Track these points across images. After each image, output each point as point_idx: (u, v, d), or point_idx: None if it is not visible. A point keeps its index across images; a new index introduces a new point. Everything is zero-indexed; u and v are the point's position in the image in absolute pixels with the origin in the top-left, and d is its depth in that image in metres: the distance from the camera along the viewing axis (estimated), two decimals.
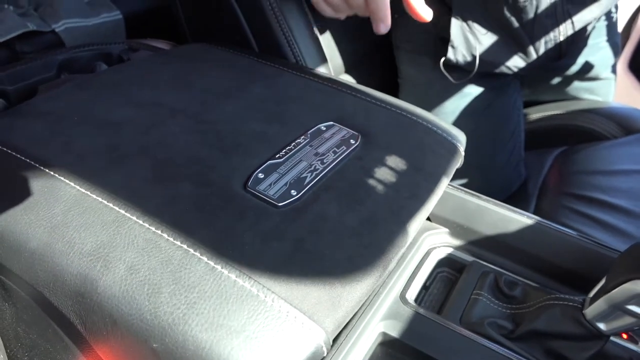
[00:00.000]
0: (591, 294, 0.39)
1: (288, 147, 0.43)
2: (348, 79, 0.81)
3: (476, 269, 0.47)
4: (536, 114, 0.94)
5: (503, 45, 0.77)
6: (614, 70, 0.93)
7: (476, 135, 0.82)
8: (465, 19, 0.75)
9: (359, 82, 0.81)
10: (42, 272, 0.33)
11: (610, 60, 0.91)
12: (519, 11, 0.73)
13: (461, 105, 0.83)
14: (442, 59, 0.78)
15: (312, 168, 0.41)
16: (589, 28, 0.83)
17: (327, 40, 0.73)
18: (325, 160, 0.42)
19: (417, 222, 0.40)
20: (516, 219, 0.49)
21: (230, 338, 0.29)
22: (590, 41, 0.87)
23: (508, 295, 0.45)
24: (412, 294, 0.45)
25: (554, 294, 0.42)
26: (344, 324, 0.33)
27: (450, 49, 0.77)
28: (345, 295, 0.33)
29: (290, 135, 0.44)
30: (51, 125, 0.43)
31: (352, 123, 0.47)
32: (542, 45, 0.78)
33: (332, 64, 0.73)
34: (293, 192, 0.38)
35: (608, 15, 0.88)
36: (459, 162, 0.48)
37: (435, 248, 0.50)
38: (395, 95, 0.67)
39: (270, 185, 0.39)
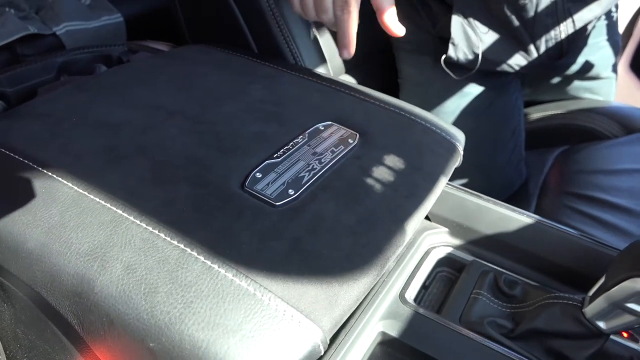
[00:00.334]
0: (591, 293, 0.39)
1: (286, 147, 0.43)
2: (348, 79, 0.81)
3: (476, 268, 0.47)
4: (537, 113, 0.94)
5: (504, 43, 0.77)
6: (614, 69, 0.93)
7: (477, 135, 0.81)
8: (466, 17, 0.75)
9: (359, 82, 0.81)
10: (40, 273, 0.33)
11: (610, 59, 0.91)
12: (519, 9, 0.73)
13: (462, 105, 0.83)
14: (443, 57, 0.78)
15: (310, 167, 0.41)
16: (590, 27, 0.82)
17: (326, 41, 0.74)
18: (323, 160, 0.42)
19: (415, 222, 0.40)
20: (515, 218, 0.49)
21: (227, 337, 0.29)
22: (590, 40, 0.87)
23: (508, 294, 0.45)
24: (411, 294, 0.45)
25: (553, 293, 0.42)
26: (342, 323, 0.33)
27: (451, 47, 0.76)
28: (343, 294, 0.33)
29: (289, 135, 0.44)
30: (50, 126, 0.43)
31: (351, 123, 0.47)
32: (543, 44, 0.77)
33: (332, 65, 0.73)
34: (291, 192, 0.38)
35: (608, 14, 0.87)
36: (457, 161, 0.48)
37: (434, 247, 0.50)
38: (396, 95, 0.67)
39: (267, 184, 0.39)
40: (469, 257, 0.49)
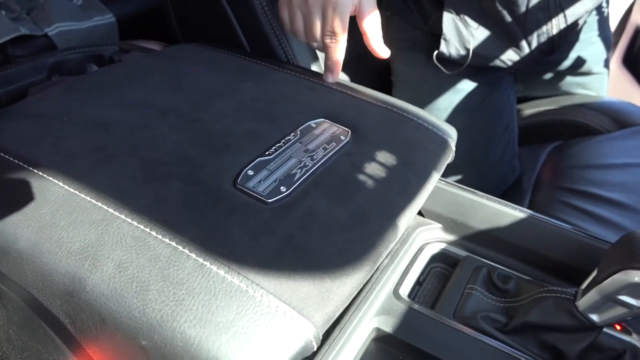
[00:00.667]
0: (583, 286, 0.39)
1: (278, 144, 0.43)
2: (341, 77, 0.81)
3: (469, 263, 0.47)
4: (530, 109, 0.94)
5: (496, 38, 0.77)
6: (606, 64, 0.93)
7: (470, 131, 0.82)
8: (457, 13, 0.75)
9: (352, 81, 0.81)
10: (31, 272, 0.33)
11: (602, 54, 0.91)
12: (511, 4, 0.74)
13: (455, 101, 0.83)
14: (436, 52, 0.78)
15: (302, 164, 0.41)
16: (581, 22, 0.83)
17: None
18: (315, 157, 0.42)
19: (408, 217, 0.40)
20: (508, 213, 0.49)
21: (219, 334, 0.29)
22: (582, 36, 0.87)
23: (501, 289, 0.45)
24: (405, 290, 0.45)
25: (546, 287, 0.42)
26: (334, 319, 0.33)
27: (442, 42, 0.77)
28: (335, 289, 0.33)
29: (281, 132, 0.44)
30: (40, 126, 0.43)
31: (343, 120, 0.47)
32: (535, 39, 0.78)
33: (324, 63, 0.73)
34: (282, 189, 0.38)
35: (599, 9, 0.88)
36: (449, 157, 0.48)
37: (428, 243, 0.50)
38: (389, 93, 0.67)
39: (259, 181, 0.39)
40: (462, 253, 0.49)
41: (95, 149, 0.40)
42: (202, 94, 0.49)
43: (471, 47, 0.76)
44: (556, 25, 0.77)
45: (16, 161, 0.38)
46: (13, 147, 0.40)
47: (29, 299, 0.34)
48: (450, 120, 0.79)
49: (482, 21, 0.76)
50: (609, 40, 0.92)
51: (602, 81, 0.94)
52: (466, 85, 0.83)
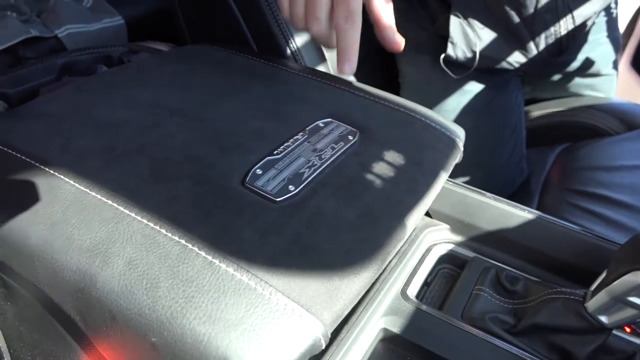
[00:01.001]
0: (592, 287, 0.39)
1: (286, 144, 0.43)
2: (349, 78, 0.81)
3: (477, 264, 0.47)
4: (538, 111, 0.94)
5: (503, 40, 0.77)
6: (615, 66, 0.93)
7: (477, 133, 0.82)
8: (465, 16, 0.75)
9: (359, 81, 0.81)
10: (42, 270, 0.34)
11: (611, 56, 0.91)
12: (519, 6, 0.73)
13: (462, 103, 0.83)
14: (442, 56, 0.78)
15: (310, 164, 0.41)
16: (589, 23, 0.83)
17: None
18: (323, 156, 0.42)
19: (416, 217, 0.40)
20: (516, 214, 0.49)
21: (228, 331, 0.29)
22: (590, 37, 0.87)
23: (509, 290, 0.45)
24: (413, 290, 0.45)
25: (555, 288, 0.42)
26: (343, 317, 0.33)
27: (450, 45, 0.77)
28: (343, 288, 0.33)
29: (289, 132, 0.45)
30: (51, 125, 0.43)
31: (351, 119, 0.47)
32: (543, 41, 0.78)
33: (332, 63, 0.73)
34: (291, 188, 0.38)
35: (608, 10, 0.87)
36: (457, 157, 0.48)
37: (436, 244, 0.50)
38: (397, 95, 0.67)
39: (268, 181, 0.39)
40: (470, 254, 0.49)
41: (104, 149, 0.41)
42: (211, 94, 0.50)
43: (478, 49, 0.76)
44: (564, 26, 0.77)
45: (27, 159, 0.39)
46: (24, 146, 0.40)
47: (41, 296, 0.35)
48: (457, 121, 0.78)
49: (489, 23, 0.76)
50: (617, 41, 0.92)
51: (610, 82, 0.93)
52: (473, 87, 0.83)
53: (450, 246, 0.50)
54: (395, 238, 0.37)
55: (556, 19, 0.75)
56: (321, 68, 0.67)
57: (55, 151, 0.40)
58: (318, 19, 0.48)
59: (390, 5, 0.49)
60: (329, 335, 0.31)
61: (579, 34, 0.81)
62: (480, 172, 0.84)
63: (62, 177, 0.37)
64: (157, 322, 0.30)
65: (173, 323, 0.29)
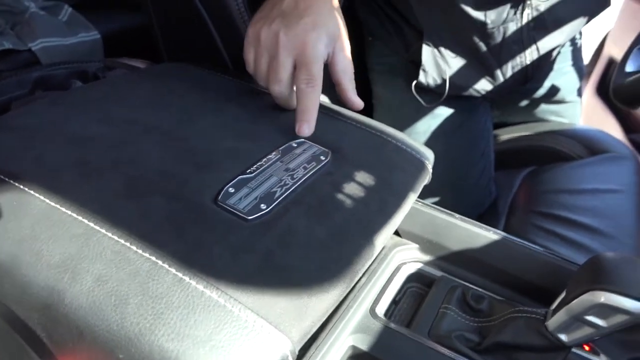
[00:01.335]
0: (553, 306, 0.40)
1: (259, 163, 0.44)
2: (323, 99, 0.83)
3: (445, 283, 0.48)
4: (506, 135, 0.97)
5: (472, 69, 0.80)
6: (579, 93, 0.97)
7: (448, 156, 0.84)
8: (436, 45, 0.78)
9: (333, 103, 0.82)
10: (9, 285, 0.33)
11: (575, 84, 0.95)
12: (487, 37, 0.76)
13: (433, 126, 0.85)
14: (414, 82, 0.80)
15: (283, 183, 0.42)
16: (554, 53, 0.86)
17: None
18: (295, 176, 0.43)
19: (385, 236, 0.41)
20: (483, 234, 0.50)
21: (197, 348, 0.29)
22: (555, 66, 0.91)
23: (475, 308, 0.46)
24: (381, 309, 0.46)
25: (518, 307, 0.43)
26: (311, 334, 0.33)
27: (421, 73, 0.79)
28: (312, 305, 0.33)
29: (262, 151, 0.45)
30: (23, 139, 0.43)
31: (323, 140, 0.48)
32: (509, 69, 0.81)
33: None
34: (263, 206, 0.39)
35: (573, 41, 0.91)
36: (426, 179, 0.50)
37: (405, 263, 0.51)
38: (370, 116, 0.68)
39: (240, 199, 0.39)
40: (438, 273, 0.50)
41: (77, 164, 0.41)
42: (186, 112, 0.50)
43: (447, 76, 0.79)
44: (529, 56, 0.80)
45: None
46: None
47: (6, 313, 0.34)
48: (428, 144, 0.80)
49: (458, 52, 0.79)
50: (582, 70, 0.96)
51: (575, 109, 0.97)
52: (444, 111, 0.85)
53: (419, 265, 0.51)
54: (364, 257, 0.38)
55: (522, 49, 0.79)
56: None
57: (26, 165, 0.40)
58: (280, 81, 0.49)
59: (352, 68, 0.51)
60: (297, 353, 0.32)
61: (544, 64, 0.84)
62: (450, 193, 0.86)
63: (32, 192, 0.37)
64: (125, 338, 0.30)
65: (141, 340, 0.29)
